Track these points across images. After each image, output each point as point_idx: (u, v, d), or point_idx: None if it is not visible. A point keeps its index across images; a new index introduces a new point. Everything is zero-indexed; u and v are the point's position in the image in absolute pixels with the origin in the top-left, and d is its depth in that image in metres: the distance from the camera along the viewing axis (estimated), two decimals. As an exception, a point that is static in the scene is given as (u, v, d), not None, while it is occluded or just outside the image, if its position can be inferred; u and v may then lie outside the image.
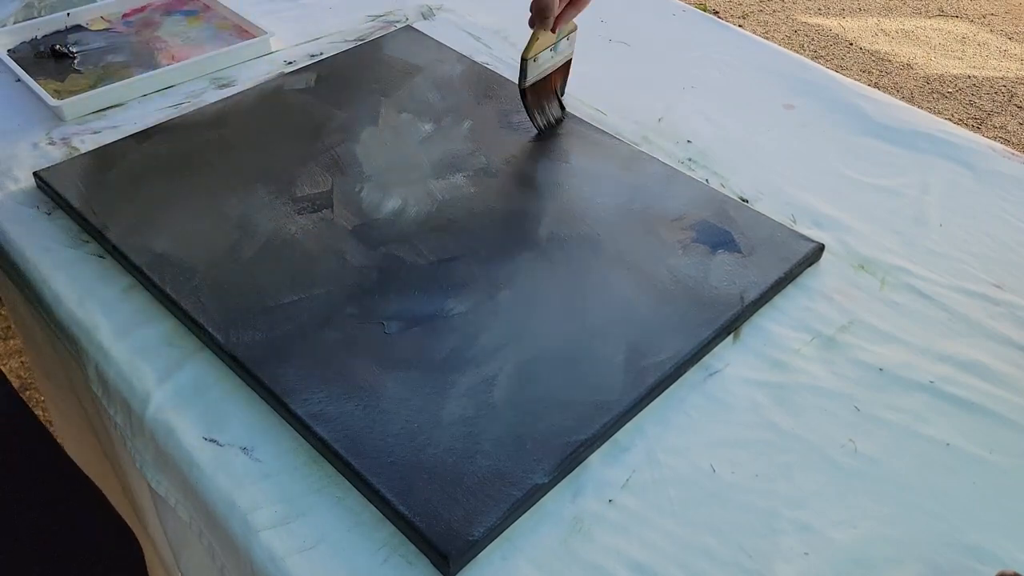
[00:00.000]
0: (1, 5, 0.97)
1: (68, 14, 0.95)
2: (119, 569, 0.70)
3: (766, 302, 0.67)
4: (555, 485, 0.54)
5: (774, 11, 2.86)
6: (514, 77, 0.89)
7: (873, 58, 2.60)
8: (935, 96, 2.44)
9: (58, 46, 0.91)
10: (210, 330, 0.61)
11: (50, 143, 0.80)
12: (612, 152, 0.79)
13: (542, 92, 0.81)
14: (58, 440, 0.72)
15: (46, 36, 0.94)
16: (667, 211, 0.73)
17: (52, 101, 0.82)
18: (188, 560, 0.66)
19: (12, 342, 1.57)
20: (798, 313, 0.67)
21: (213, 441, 0.56)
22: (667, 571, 0.50)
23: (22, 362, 1.53)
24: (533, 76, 0.78)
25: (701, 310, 0.64)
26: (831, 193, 0.78)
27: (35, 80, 0.85)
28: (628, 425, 0.58)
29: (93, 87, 0.86)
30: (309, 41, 0.96)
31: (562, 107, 0.84)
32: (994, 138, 1.94)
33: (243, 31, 0.96)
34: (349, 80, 0.87)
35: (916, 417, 0.60)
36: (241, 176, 0.74)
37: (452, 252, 0.68)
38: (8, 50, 0.91)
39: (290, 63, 0.91)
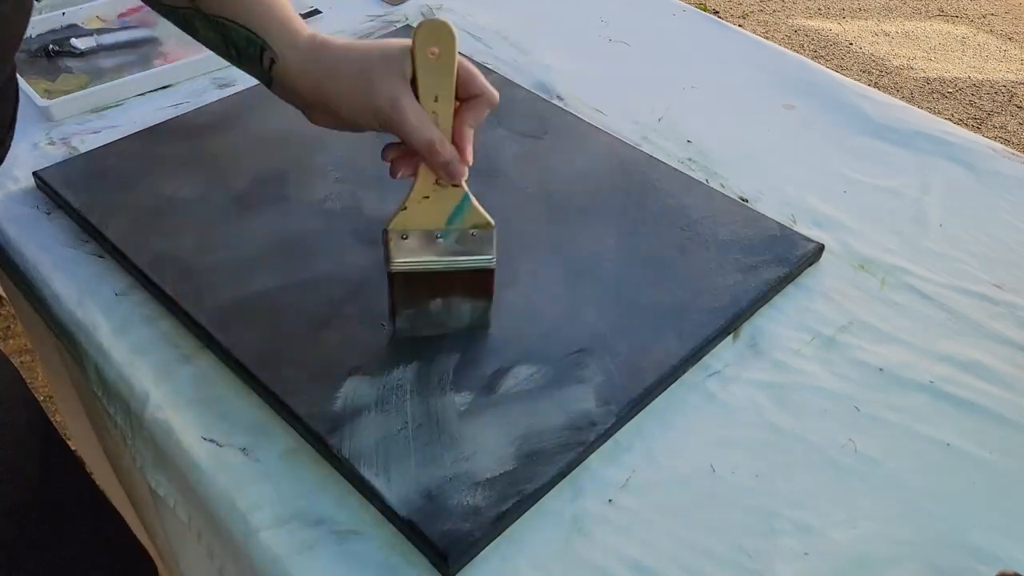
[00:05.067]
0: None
1: (63, 13, 0.95)
2: None
3: (766, 302, 0.67)
4: (555, 485, 0.54)
5: (774, 11, 2.86)
6: (514, 76, 0.89)
7: (873, 58, 2.60)
8: (935, 96, 2.44)
9: (52, 45, 0.91)
10: (210, 330, 0.61)
11: (50, 143, 0.80)
12: (612, 152, 0.79)
13: (432, 287, 0.61)
14: (72, 445, 0.72)
15: (41, 35, 0.93)
16: (667, 211, 0.73)
17: (41, 101, 0.82)
18: (188, 560, 0.66)
19: (12, 342, 1.57)
20: (798, 313, 0.67)
21: (213, 441, 0.56)
22: (667, 571, 0.50)
23: (21, 362, 1.53)
24: (404, 259, 0.59)
25: (701, 310, 0.64)
26: (831, 193, 0.78)
27: (25, 80, 0.84)
28: (628, 425, 0.58)
29: (85, 87, 0.86)
30: (309, 41, 0.95)
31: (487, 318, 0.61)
32: (994, 138, 1.94)
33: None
34: (349, 80, 0.87)
35: (916, 417, 0.60)
36: (241, 176, 0.74)
37: (452, 252, 0.68)
38: (4, 49, 0.91)
39: (290, 63, 0.91)
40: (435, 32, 0.52)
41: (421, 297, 0.61)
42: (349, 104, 0.56)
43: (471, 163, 0.56)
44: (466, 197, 0.57)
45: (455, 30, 0.52)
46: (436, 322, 0.61)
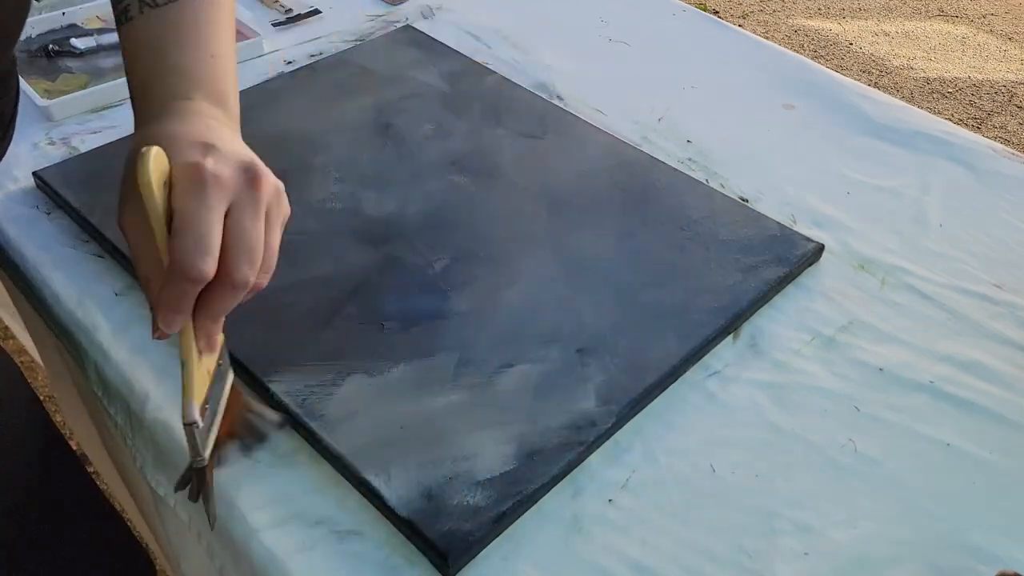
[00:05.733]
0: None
1: (63, 13, 0.95)
2: None
3: (766, 302, 0.67)
4: (555, 485, 0.54)
5: (774, 11, 2.86)
6: (514, 76, 0.89)
7: (873, 58, 2.60)
8: (935, 96, 2.44)
9: (52, 45, 0.91)
10: (210, 330, 0.61)
11: (49, 143, 0.80)
12: (612, 152, 0.79)
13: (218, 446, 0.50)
14: (74, 443, 0.72)
15: (41, 35, 0.93)
16: (667, 211, 0.73)
17: (41, 101, 0.82)
18: (188, 560, 0.66)
19: (12, 342, 1.57)
20: (798, 313, 0.67)
21: (213, 441, 0.56)
22: (667, 571, 0.50)
23: (21, 362, 1.53)
24: (209, 435, 0.48)
25: (701, 310, 0.64)
26: (831, 193, 0.78)
27: (26, 80, 0.84)
28: (628, 425, 0.58)
29: (85, 87, 0.86)
30: (309, 41, 0.96)
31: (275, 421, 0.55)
32: (994, 138, 1.95)
33: (237, 32, 0.96)
34: (349, 80, 0.87)
35: (916, 417, 0.60)
36: (241, 176, 0.74)
37: (452, 252, 0.68)
38: (4, 49, 0.91)
39: (290, 63, 0.91)
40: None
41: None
42: None
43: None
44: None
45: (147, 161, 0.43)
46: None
